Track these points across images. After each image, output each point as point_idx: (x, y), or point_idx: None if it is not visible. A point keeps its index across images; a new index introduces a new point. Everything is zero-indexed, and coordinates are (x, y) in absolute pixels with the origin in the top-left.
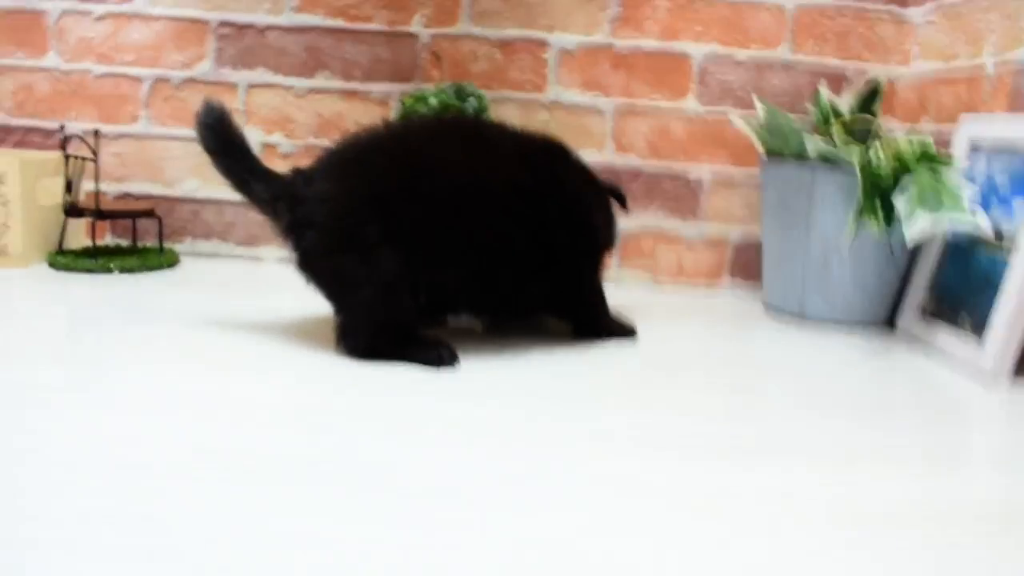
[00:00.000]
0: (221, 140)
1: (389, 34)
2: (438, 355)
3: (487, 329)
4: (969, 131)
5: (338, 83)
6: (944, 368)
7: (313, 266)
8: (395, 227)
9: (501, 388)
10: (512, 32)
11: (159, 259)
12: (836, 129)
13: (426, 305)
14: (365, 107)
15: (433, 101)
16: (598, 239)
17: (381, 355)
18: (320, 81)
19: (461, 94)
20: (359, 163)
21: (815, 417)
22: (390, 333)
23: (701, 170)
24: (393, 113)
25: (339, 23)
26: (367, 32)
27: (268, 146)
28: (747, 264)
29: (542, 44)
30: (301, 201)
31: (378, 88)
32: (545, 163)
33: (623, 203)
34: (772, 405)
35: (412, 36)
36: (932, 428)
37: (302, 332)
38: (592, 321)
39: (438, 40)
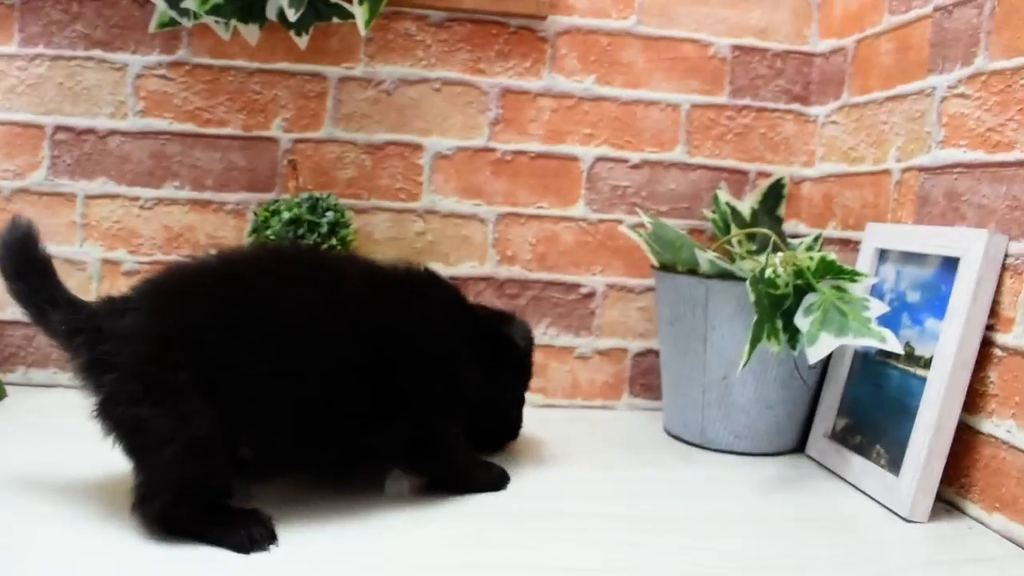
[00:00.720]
0: (21, 262)
1: (245, 139)
2: (248, 536)
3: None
4: (875, 240)
5: (188, 193)
6: (859, 500)
7: (112, 416)
8: (211, 372)
9: (330, 562)
10: (382, 136)
11: None
12: (738, 237)
13: (251, 462)
14: (218, 219)
15: (286, 215)
16: (454, 389)
17: (179, 529)
18: (168, 191)
19: (316, 208)
20: (176, 295)
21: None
22: (194, 501)
23: (594, 280)
24: (248, 226)
25: (189, 127)
26: (221, 137)
27: (109, 263)
28: (648, 380)
29: (416, 148)
30: (103, 337)
31: (233, 198)
32: (397, 302)
33: (511, 346)
34: (666, 556)
35: (271, 141)
36: (847, 571)
37: (113, 490)
38: (448, 476)
39: (299, 145)
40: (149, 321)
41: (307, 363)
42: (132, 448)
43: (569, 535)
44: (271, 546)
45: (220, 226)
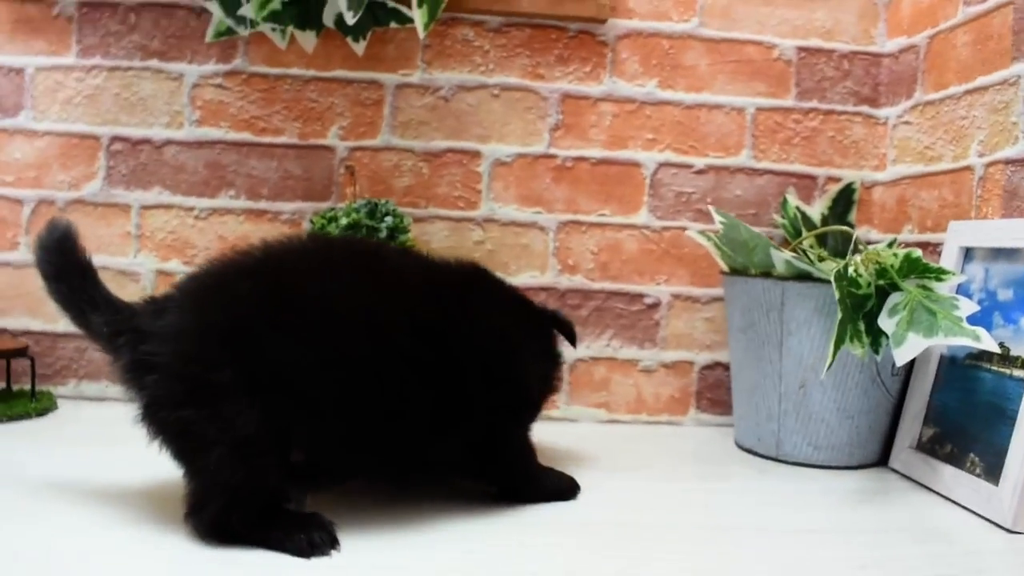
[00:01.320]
0: (60, 263)
1: (301, 148)
2: (308, 541)
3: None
4: (960, 238)
5: (243, 202)
6: (954, 512)
7: (156, 420)
8: (257, 370)
9: (392, 569)
10: (440, 143)
11: (27, 406)
12: (808, 241)
13: (304, 467)
14: (273, 228)
15: (344, 221)
16: (522, 388)
17: (234, 536)
18: (223, 200)
19: (375, 213)
20: (219, 290)
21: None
22: (247, 506)
23: (658, 290)
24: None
25: (245, 136)
26: (276, 146)
27: (163, 273)
28: (715, 394)
29: (474, 155)
30: (144, 337)
31: (288, 207)
32: (456, 296)
33: (571, 338)
34: (755, 565)
35: (327, 149)
36: None
37: (167, 496)
38: (517, 484)
39: (356, 153)
40: (189, 318)
41: (360, 359)
42: (179, 452)
43: (646, 544)
44: (332, 551)
45: (275, 236)
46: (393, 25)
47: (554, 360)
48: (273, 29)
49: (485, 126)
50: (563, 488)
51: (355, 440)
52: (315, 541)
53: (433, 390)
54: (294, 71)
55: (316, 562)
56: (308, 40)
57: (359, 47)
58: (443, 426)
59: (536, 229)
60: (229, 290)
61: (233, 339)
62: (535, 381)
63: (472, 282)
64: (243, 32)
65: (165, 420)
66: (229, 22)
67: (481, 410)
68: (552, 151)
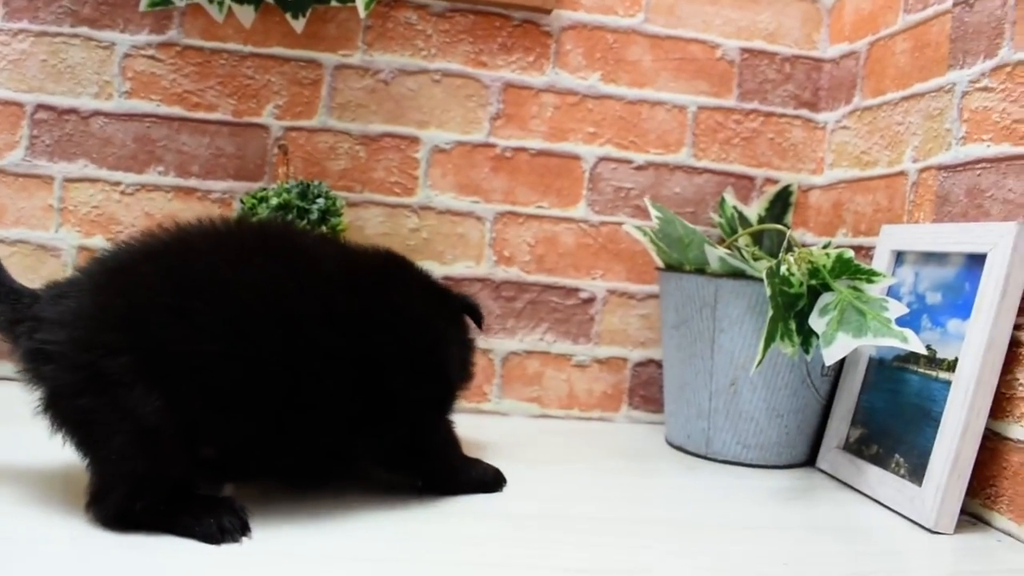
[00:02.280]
0: None
1: (235, 125)
2: (218, 526)
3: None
4: (891, 242)
5: (172, 179)
6: (878, 512)
7: (56, 411)
8: (157, 358)
9: (305, 555)
10: (378, 127)
11: None
12: (744, 239)
13: (216, 462)
14: (202, 207)
15: (274, 201)
16: (444, 377)
17: (139, 523)
18: (151, 176)
19: (307, 194)
20: (120, 273)
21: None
22: (151, 494)
23: (594, 285)
24: (234, 215)
25: (177, 111)
26: (209, 122)
27: (86, 249)
28: (648, 391)
29: (413, 141)
30: (41, 325)
31: (219, 186)
32: (373, 284)
33: (478, 322)
34: (674, 559)
35: (261, 128)
36: None
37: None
38: (441, 475)
39: (291, 134)
40: (87, 302)
41: (268, 350)
42: (81, 443)
43: (568, 536)
44: (243, 537)
45: (204, 214)
46: (334, 3)
47: (469, 346)
48: (210, 1)
49: (425, 112)
50: (488, 480)
51: (266, 436)
52: (225, 526)
53: (350, 383)
54: (230, 46)
55: (225, 548)
56: (246, 15)
57: (298, 24)
58: (362, 420)
59: (473, 219)
60: (130, 273)
61: (131, 324)
62: (455, 369)
63: (389, 270)
64: (179, 3)
65: (65, 410)
66: None
67: (403, 402)
68: (492, 140)
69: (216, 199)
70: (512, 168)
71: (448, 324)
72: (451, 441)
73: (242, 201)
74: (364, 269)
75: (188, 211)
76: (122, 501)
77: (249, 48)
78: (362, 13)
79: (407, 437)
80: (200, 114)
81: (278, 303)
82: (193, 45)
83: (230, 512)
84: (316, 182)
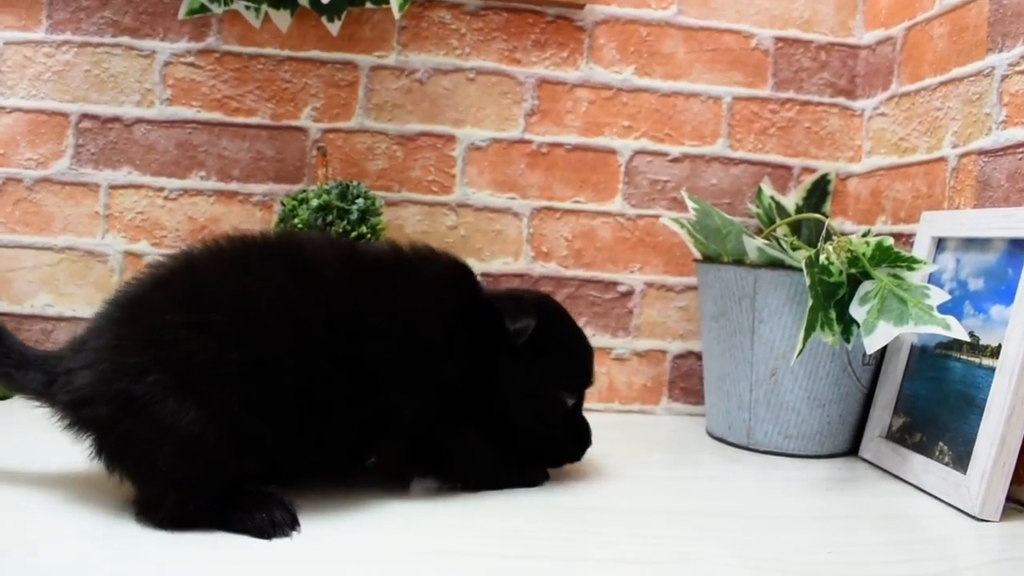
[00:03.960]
0: None
1: (274, 128)
2: (270, 520)
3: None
4: (932, 228)
5: (214, 183)
6: (922, 500)
7: (105, 448)
8: (180, 372)
9: (355, 551)
10: (414, 126)
11: None
12: (782, 229)
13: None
14: (244, 210)
15: (315, 202)
16: (451, 384)
17: (195, 522)
18: (194, 181)
19: (346, 195)
20: (132, 306)
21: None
22: (203, 493)
23: (632, 278)
24: (275, 217)
25: (217, 116)
26: (249, 126)
27: (132, 255)
28: (688, 383)
29: (449, 139)
30: (72, 375)
31: (260, 189)
32: (377, 286)
33: (505, 323)
34: (720, 549)
35: (300, 131)
36: (917, 567)
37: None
38: (468, 480)
39: (329, 135)
40: (106, 340)
41: (281, 350)
42: (133, 468)
43: (617, 529)
44: (293, 532)
45: (247, 218)
46: (369, 5)
47: (490, 350)
48: (247, 7)
49: (460, 110)
50: (524, 477)
51: (291, 436)
52: (276, 520)
53: (351, 388)
54: (268, 51)
55: (278, 542)
56: (283, 19)
57: (334, 27)
58: (369, 427)
59: (510, 215)
60: (142, 302)
61: (149, 346)
62: (456, 375)
63: (400, 272)
64: (217, 10)
65: (112, 445)
66: (202, 0)
67: (407, 412)
68: (527, 136)
69: (257, 202)
70: (548, 164)
71: (456, 327)
72: (474, 450)
73: (282, 203)
74: (369, 272)
75: (230, 214)
76: (176, 506)
77: (286, 52)
78: (396, 14)
79: (418, 448)
80: (240, 119)
81: (284, 308)
82: (231, 51)
83: (280, 506)
84: (355, 182)
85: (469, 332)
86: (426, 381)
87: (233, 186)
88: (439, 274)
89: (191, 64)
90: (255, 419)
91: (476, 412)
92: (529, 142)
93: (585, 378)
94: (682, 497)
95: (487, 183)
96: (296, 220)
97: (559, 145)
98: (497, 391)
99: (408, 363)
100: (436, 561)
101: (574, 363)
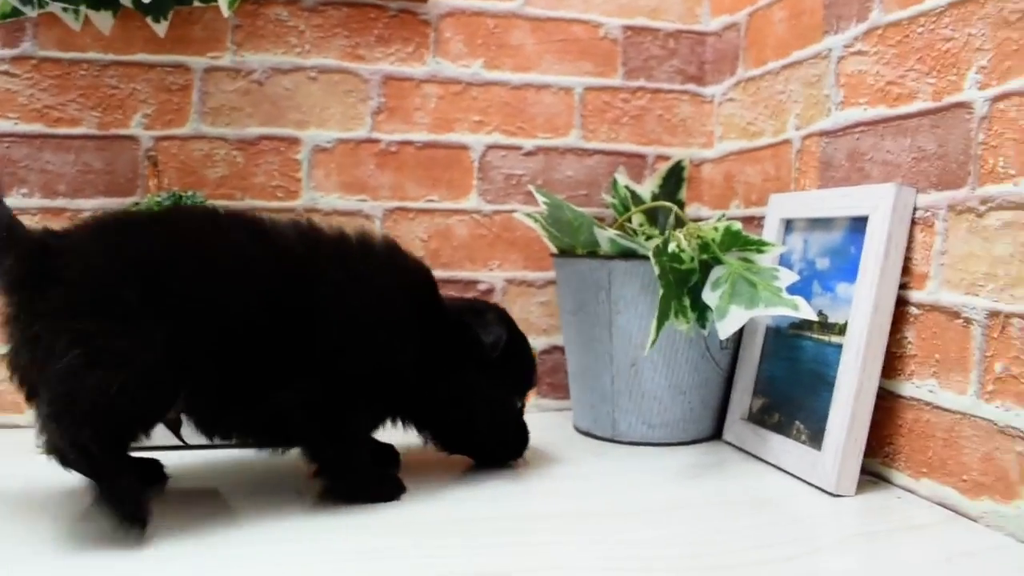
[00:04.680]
0: None
1: (101, 138)
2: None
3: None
4: (780, 210)
5: (38, 200)
6: (782, 479)
7: (52, 329)
8: (162, 300)
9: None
10: (255, 130)
11: None
12: (639, 219)
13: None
14: None
15: None
16: (376, 367)
17: (89, 462)
18: (15, 200)
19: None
20: (127, 226)
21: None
22: (119, 430)
23: (492, 276)
24: None
25: (37, 128)
26: (74, 137)
27: None
28: (554, 379)
29: (293, 142)
30: (49, 253)
31: (89, 204)
32: (332, 259)
33: (475, 338)
34: (582, 551)
35: (130, 139)
36: (776, 550)
37: None
38: (339, 470)
39: (163, 143)
40: (98, 241)
41: (238, 303)
42: (75, 363)
43: (475, 539)
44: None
45: None
46: (197, 4)
47: (465, 358)
48: (64, 9)
49: (303, 111)
50: (385, 490)
51: (225, 387)
52: (138, 510)
53: (289, 343)
54: (90, 55)
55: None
56: (104, 21)
57: (161, 28)
58: (290, 381)
59: (361, 217)
60: (137, 228)
61: (143, 265)
62: (397, 366)
63: (354, 253)
64: (30, 13)
65: (67, 329)
66: (14, 2)
67: (324, 374)
68: (375, 135)
69: (87, 218)
70: (399, 163)
71: (406, 320)
72: (359, 437)
73: None
74: (322, 247)
75: None
76: (92, 432)
77: (111, 56)
78: (225, 12)
79: (318, 409)
80: (63, 129)
81: (247, 264)
82: (50, 57)
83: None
84: (189, 192)
85: (427, 335)
86: (352, 354)
87: (60, 202)
88: (404, 267)
89: (5, 72)
90: (200, 365)
91: (424, 412)
92: (377, 141)
93: (532, 383)
94: (548, 498)
95: (335, 186)
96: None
97: (409, 143)
98: (452, 395)
99: (342, 332)
100: None
101: (526, 371)
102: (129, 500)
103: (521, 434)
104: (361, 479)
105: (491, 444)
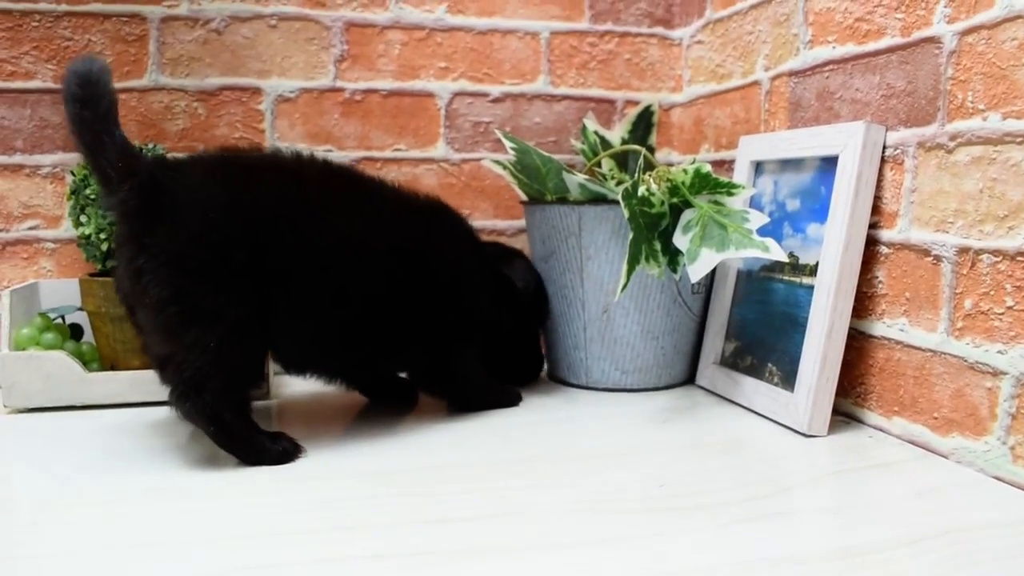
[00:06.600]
0: (89, 88)
1: (57, 92)
2: (284, 449)
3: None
4: (750, 152)
5: None
6: (755, 422)
7: (159, 275)
8: (263, 258)
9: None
10: (215, 80)
11: None
12: (608, 164)
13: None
14: (33, 184)
15: None
16: (470, 313)
17: (224, 430)
18: None
19: None
20: (243, 171)
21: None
22: (239, 393)
23: None
24: (67, 189)
25: None
26: (29, 91)
27: None
28: None
29: (255, 92)
30: (161, 188)
31: (48, 160)
32: (421, 224)
33: (511, 284)
34: (556, 492)
35: None
36: (748, 489)
37: None
38: (465, 395)
39: (121, 96)
40: (215, 185)
41: (346, 267)
42: (172, 321)
43: (446, 486)
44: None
45: (36, 192)
46: None
47: (492, 289)
48: None
49: (264, 60)
50: (507, 398)
51: (327, 339)
52: (289, 449)
53: (398, 307)
54: (43, 6)
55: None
56: None
57: None
58: (405, 338)
59: None
60: (256, 173)
61: (259, 226)
62: (482, 307)
63: (434, 215)
64: None
65: (170, 277)
66: None
67: (433, 329)
68: (339, 84)
69: (47, 174)
70: (364, 111)
71: (477, 270)
72: (474, 367)
73: (73, 173)
74: (415, 211)
75: (16, 189)
76: (218, 396)
77: (64, 7)
78: None
79: (439, 356)
80: (17, 83)
81: (355, 230)
82: (1, 8)
83: (288, 439)
84: (151, 145)
85: (481, 271)
86: (453, 307)
87: (17, 158)
88: (458, 218)
89: None
90: (303, 323)
91: (478, 338)
92: (341, 90)
93: (548, 316)
94: (519, 444)
95: (300, 136)
96: (88, 191)
97: (374, 91)
98: (500, 327)
99: (443, 291)
100: (258, 543)
101: (546, 305)
102: (273, 455)
103: (541, 358)
104: (492, 393)
105: (522, 367)
